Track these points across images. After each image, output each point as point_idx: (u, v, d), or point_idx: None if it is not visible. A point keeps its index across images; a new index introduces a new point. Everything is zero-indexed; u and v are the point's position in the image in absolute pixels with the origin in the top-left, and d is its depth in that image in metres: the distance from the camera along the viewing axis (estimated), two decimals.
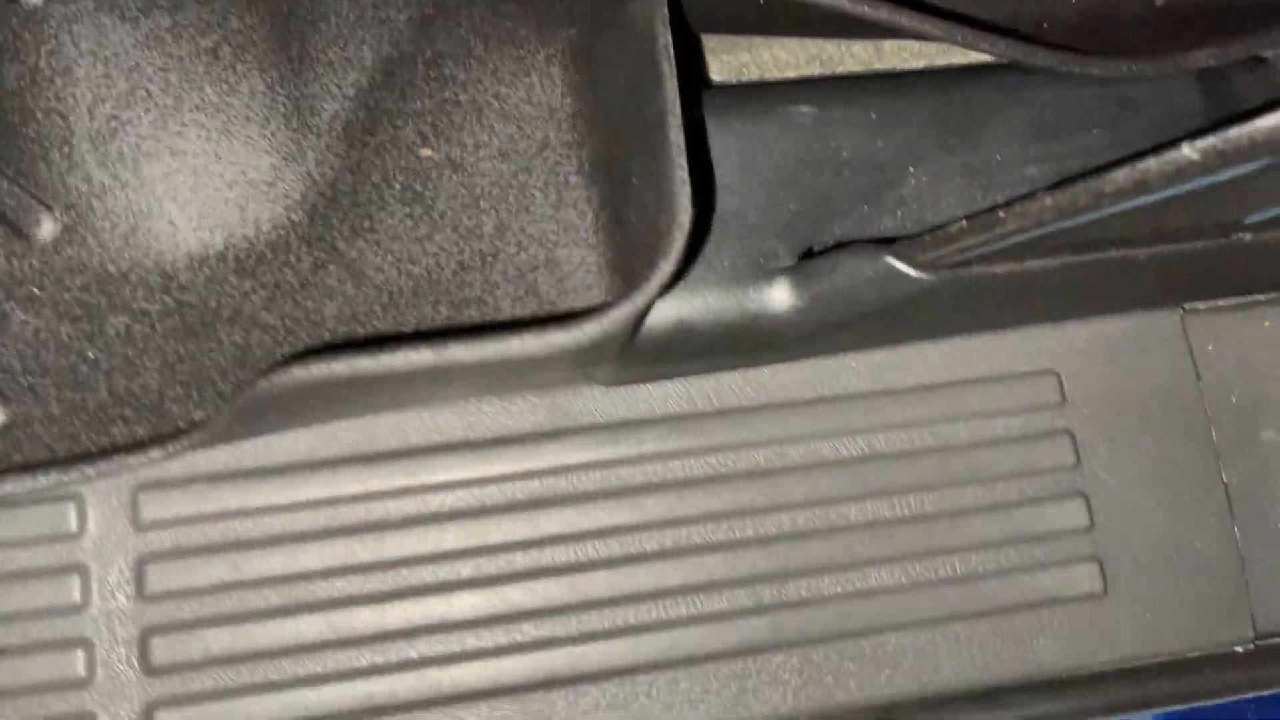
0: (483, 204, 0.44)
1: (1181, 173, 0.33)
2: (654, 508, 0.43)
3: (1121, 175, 0.33)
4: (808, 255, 0.42)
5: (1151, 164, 0.33)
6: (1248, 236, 0.40)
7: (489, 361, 0.36)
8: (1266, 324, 0.48)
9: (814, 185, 0.42)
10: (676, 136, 0.36)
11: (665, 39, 0.37)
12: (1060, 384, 0.47)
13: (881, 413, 0.45)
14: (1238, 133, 0.32)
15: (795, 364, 0.45)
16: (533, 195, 0.44)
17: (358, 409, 0.42)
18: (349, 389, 0.37)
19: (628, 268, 0.41)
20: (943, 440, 0.45)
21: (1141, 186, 0.33)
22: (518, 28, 0.45)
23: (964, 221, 0.37)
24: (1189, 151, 0.33)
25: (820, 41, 0.48)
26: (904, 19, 0.40)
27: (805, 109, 0.43)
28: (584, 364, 0.40)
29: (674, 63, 0.37)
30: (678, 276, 0.39)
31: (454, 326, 0.43)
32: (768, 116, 0.42)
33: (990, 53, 0.42)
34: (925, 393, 0.46)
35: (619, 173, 0.42)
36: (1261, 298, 0.49)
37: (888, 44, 0.48)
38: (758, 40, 0.48)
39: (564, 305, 0.43)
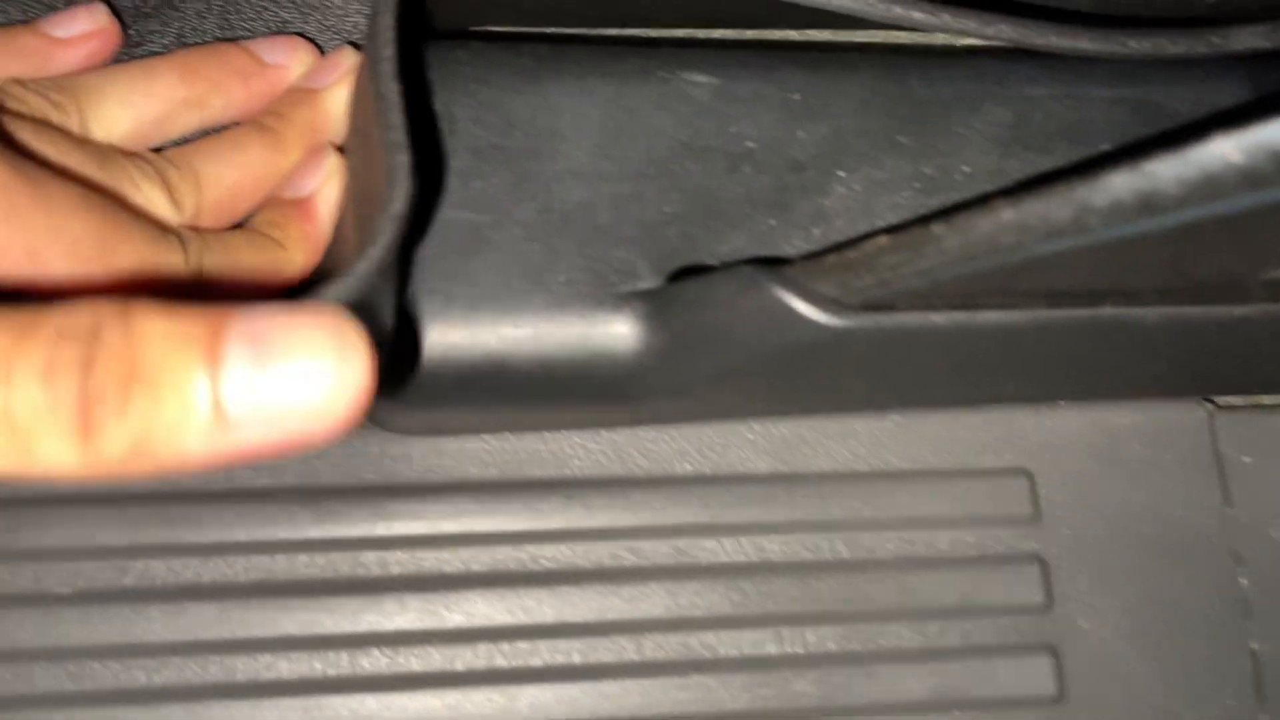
0: None
1: (1213, 183, 0.21)
2: (442, 612, 0.31)
3: (1121, 181, 0.21)
4: (679, 276, 0.30)
5: (1168, 167, 0.21)
6: None
7: None
8: None
9: (700, 182, 0.30)
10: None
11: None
12: (1033, 490, 0.34)
13: (782, 506, 0.33)
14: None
15: (666, 428, 0.33)
16: None
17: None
18: None
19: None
20: (863, 553, 0.33)
21: (1151, 203, 0.21)
22: None
23: (884, 238, 0.25)
24: (1228, 149, 0.20)
25: None
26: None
27: (701, 78, 0.31)
28: None
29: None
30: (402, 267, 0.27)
31: None
32: (645, 81, 0.31)
33: (953, 30, 0.30)
34: (843, 484, 0.33)
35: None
36: None
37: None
38: None
39: None
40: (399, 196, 0.24)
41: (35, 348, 0.18)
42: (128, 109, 0.30)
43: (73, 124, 0.29)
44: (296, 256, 0.31)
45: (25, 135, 0.27)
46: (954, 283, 0.25)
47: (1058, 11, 0.32)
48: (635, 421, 0.33)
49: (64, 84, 0.30)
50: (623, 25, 0.34)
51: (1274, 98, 0.33)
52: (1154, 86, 0.33)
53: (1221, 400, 0.36)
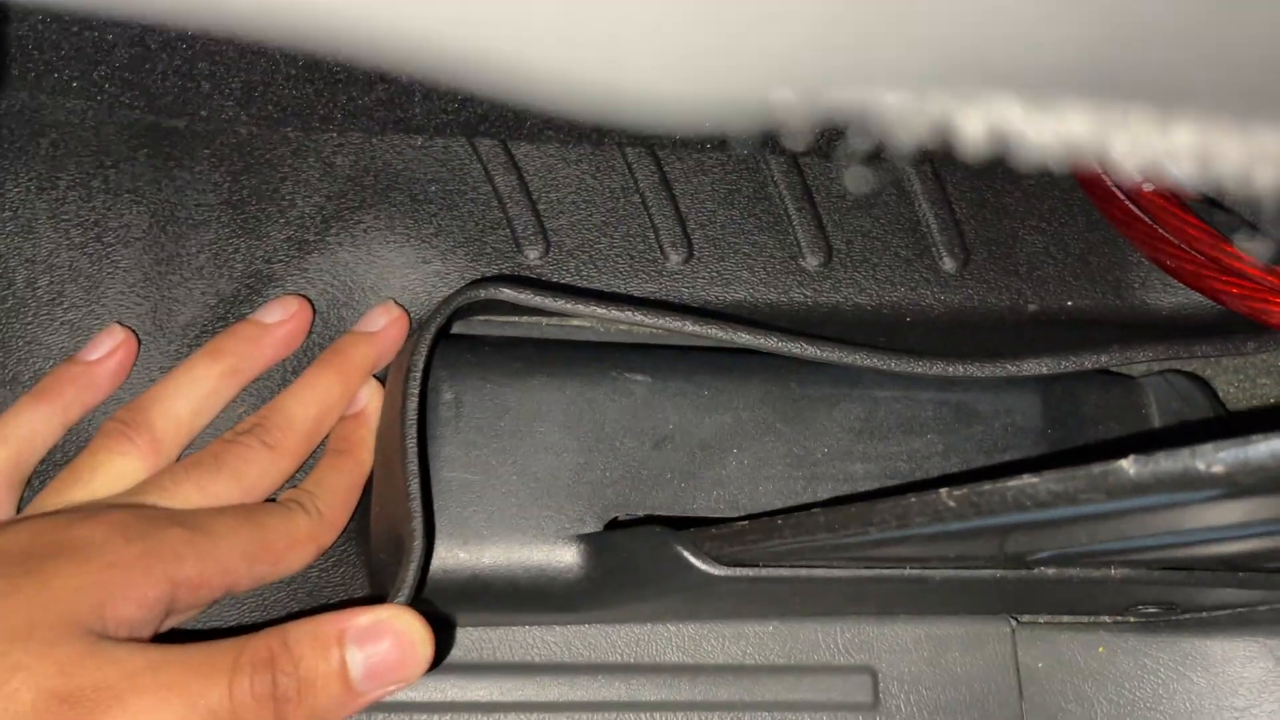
0: None
1: (940, 515, 0.33)
2: None
3: (885, 507, 0.33)
4: (613, 525, 0.41)
5: (912, 502, 0.33)
6: (1050, 571, 0.39)
7: None
8: (1100, 649, 0.47)
9: (634, 455, 0.42)
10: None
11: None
12: (875, 683, 0.45)
13: (686, 689, 0.44)
14: (990, 488, 0.32)
15: (602, 626, 0.44)
16: None
17: None
18: None
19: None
20: None
21: (903, 522, 0.33)
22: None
23: (746, 522, 0.37)
24: (945, 497, 0.33)
25: None
26: (708, 329, 0.42)
27: (640, 377, 0.43)
28: None
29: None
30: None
31: None
32: (600, 379, 0.43)
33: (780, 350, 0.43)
34: (734, 674, 0.45)
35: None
36: (1106, 619, 0.48)
37: None
38: None
39: None
40: (415, 554, 0.37)
41: (241, 674, 0.33)
42: (184, 400, 0.42)
43: (143, 442, 0.40)
44: (364, 457, 0.43)
45: (167, 488, 0.39)
46: (793, 553, 0.37)
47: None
48: (579, 622, 0.44)
49: (132, 405, 0.41)
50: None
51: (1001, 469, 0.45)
52: (968, 393, 0.45)
53: (1024, 617, 0.48)
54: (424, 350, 0.40)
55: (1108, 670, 0.47)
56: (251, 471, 0.40)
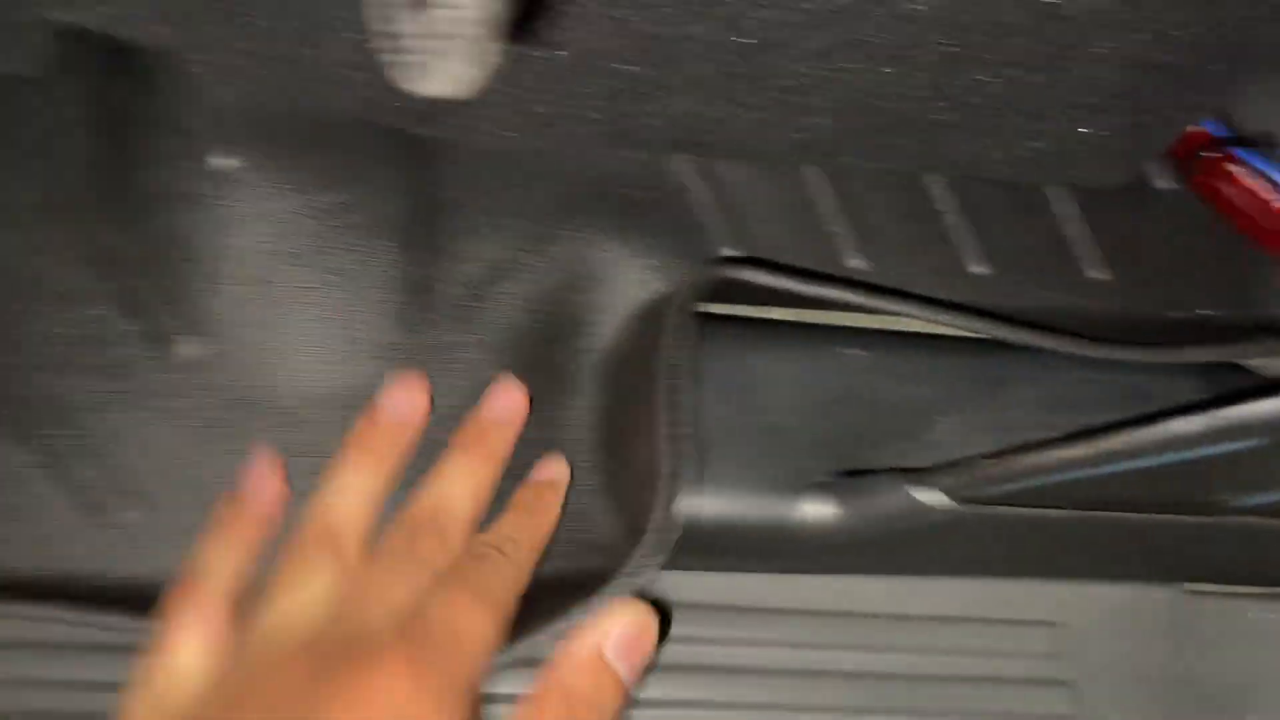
0: None
1: (1172, 442, 0.38)
2: (656, 689, 0.47)
3: (1120, 438, 0.39)
4: (846, 475, 0.47)
5: (1146, 431, 0.38)
6: (1250, 521, 0.45)
7: None
8: (1250, 615, 0.52)
9: (855, 419, 0.48)
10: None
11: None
12: (1056, 637, 0.50)
13: (894, 635, 0.49)
14: (1226, 413, 0.37)
15: (820, 576, 0.49)
16: None
17: None
18: None
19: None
20: (946, 670, 0.49)
21: (1136, 450, 0.39)
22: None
23: (981, 458, 0.42)
24: (1180, 425, 0.38)
25: None
26: (912, 309, 0.47)
27: (858, 352, 0.49)
28: None
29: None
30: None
31: None
32: (823, 354, 0.49)
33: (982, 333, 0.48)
34: (935, 624, 0.49)
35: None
36: (1258, 591, 0.53)
37: None
38: None
39: None
40: (675, 512, 0.42)
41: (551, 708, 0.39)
42: (356, 499, 0.44)
43: (332, 553, 0.41)
44: (553, 519, 0.46)
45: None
46: (1025, 493, 0.42)
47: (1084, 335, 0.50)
48: (804, 570, 0.49)
49: (315, 512, 0.43)
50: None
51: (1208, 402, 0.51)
52: (1137, 376, 0.51)
53: (1190, 586, 0.53)
54: (685, 315, 0.45)
55: (1262, 633, 0.51)
56: (437, 561, 0.42)
